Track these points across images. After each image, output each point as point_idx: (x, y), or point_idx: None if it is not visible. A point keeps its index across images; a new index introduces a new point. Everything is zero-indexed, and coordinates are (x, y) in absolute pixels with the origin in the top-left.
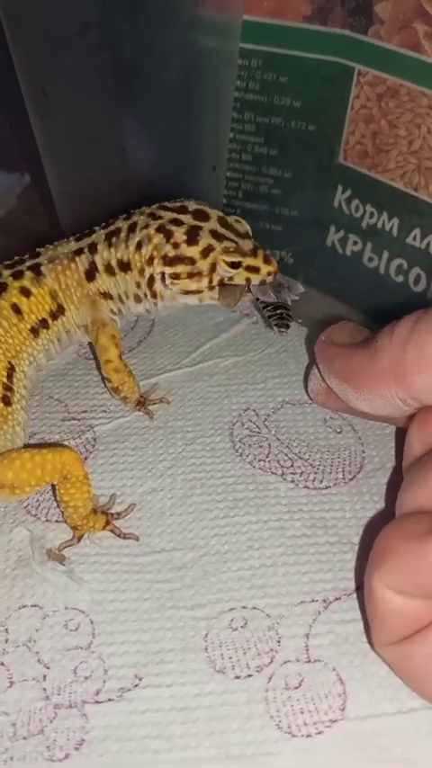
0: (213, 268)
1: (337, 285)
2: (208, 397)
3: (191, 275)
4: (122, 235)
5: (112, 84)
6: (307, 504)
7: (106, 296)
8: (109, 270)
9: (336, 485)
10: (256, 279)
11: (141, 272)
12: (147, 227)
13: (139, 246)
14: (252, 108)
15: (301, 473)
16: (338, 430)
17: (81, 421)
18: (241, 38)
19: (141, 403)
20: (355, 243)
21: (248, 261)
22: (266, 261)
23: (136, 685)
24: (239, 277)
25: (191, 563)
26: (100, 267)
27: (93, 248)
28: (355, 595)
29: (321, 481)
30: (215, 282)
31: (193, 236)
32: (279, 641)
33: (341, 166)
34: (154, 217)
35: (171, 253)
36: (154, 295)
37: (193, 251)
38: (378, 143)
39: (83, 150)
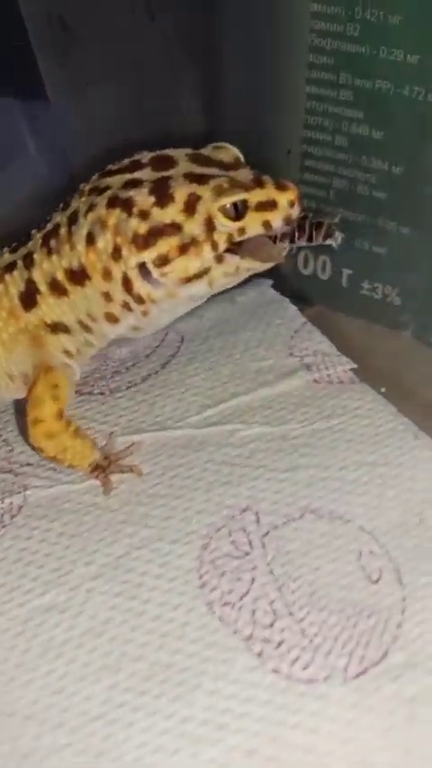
0: (211, 225)
1: None
2: (201, 478)
3: (183, 248)
4: (63, 232)
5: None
6: (267, 708)
7: (57, 328)
8: (55, 288)
9: (329, 677)
10: (276, 217)
11: (107, 275)
12: (92, 207)
13: (91, 240)
14: (348, 64)
15: (280, 643)
16: (375, 577)
17: (18, 476)
18: None
19: (101, 468)
20: None
21: (255, 196)
22: (280, 187)
23: None
24: (253, 224)
25: None
26: (42, 287)
27: (28, 260)
28: None
29: (307, 666)
30: (222, 247)
31: (162, 192)
32: None
33: None
34: (98, 191)
35: (142, 228)
36: (141, 301)
37: (172, 212)
38: None
39: (117, 111)
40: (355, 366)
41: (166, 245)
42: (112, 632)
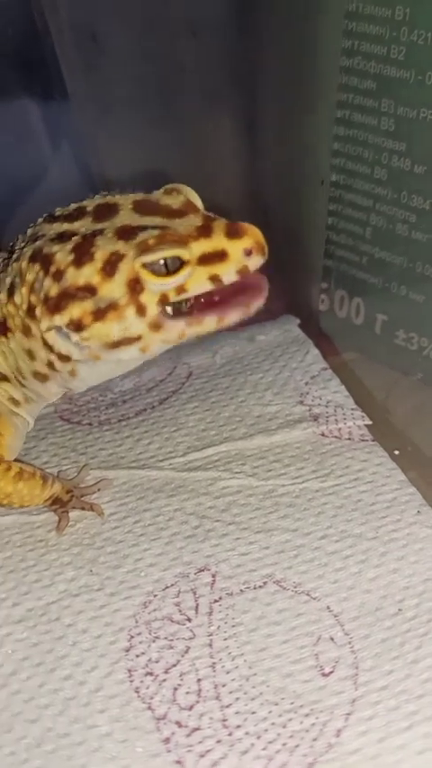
0: (137, 286)
1: None
2: (164, 527)
3: (99, 314)
4: None
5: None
6: None
7: None
8: None
9: None
10: (227, 270)
11: (27, 332)
12: (19, 257)
13: (11, 291)
14: (391, 90)
15: (194, 731)
16: (329, 669)
17: None
18: None
19: (60, 502)
20: None
21: (197, 248)
22: (232, 234)
23: None
24: (196, 281)
25: None
26: None
27: None
28: None
29: (216, 764)
30: (153, 310)
31: (84, 250)
32: None
33: None
34: (33, 238)
35: (53, 290)
36: (65, 359)
37: (88, 272)
38: None
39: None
40: (369, 422)
41: (78, 309)
42: (15, 686)
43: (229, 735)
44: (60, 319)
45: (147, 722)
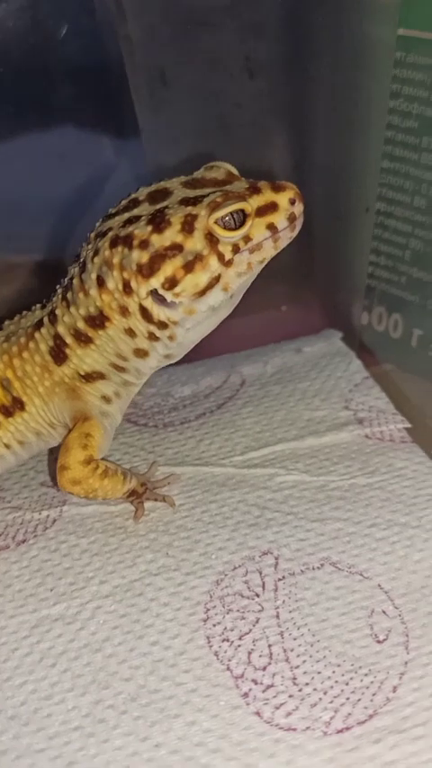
0: (213, 239)
1: None
2: (230, 516)
3: (189, 266)
4: (75, 282)
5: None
6: (240, 748)
7: (92, 378)
8: (80, 338)
9: (309, 728)
10: (280, 218)
11: (124, 312)
12: (97, 252)
13: (101, 282)
14: (430, 128)
15: (269, 687)
16: (382, 637)
17: (59, 491)
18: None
19: (136, 494)
20: None
21: (254, 202)
22: (278, 188)
23: None
24: (257, 229)
25: None
26: (68, 339)
27: (52, 316)
28: None
29: (290, 714)
30: (229, 255)
31: (159, 220)
32: None
33: None
34: (101, 235)
35: (144, 257)
36: (164, 326)
37: (170, 234)
38: None
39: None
40: (409, 426)
41: (170, 266)
42: (108, 650)
43: (300, 690)
44: (156, 280)
45: (227, 680)
